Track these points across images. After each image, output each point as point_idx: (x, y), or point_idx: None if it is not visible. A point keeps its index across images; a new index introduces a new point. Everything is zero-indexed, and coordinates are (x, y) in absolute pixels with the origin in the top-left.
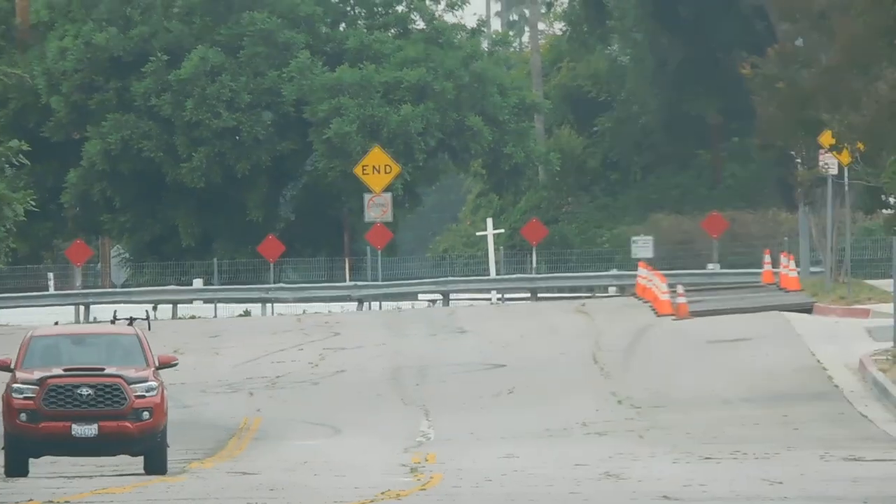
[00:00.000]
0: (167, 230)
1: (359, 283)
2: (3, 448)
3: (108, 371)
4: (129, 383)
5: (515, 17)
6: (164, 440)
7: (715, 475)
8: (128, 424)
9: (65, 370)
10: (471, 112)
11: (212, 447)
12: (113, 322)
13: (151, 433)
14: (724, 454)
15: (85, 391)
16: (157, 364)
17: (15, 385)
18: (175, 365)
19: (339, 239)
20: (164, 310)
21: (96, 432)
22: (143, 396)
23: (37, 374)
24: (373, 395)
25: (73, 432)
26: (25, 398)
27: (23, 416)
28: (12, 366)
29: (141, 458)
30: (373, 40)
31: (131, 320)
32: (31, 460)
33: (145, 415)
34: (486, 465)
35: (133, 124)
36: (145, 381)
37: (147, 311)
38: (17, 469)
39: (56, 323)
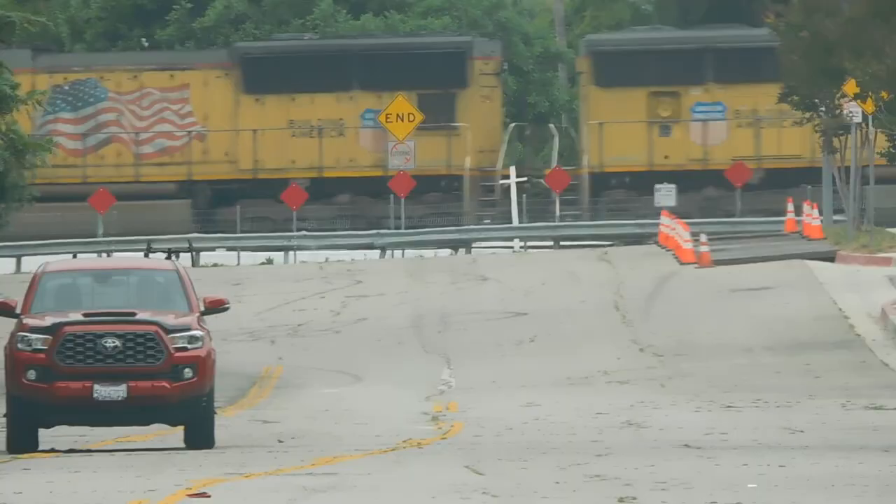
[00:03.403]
0: None
1: (381, 231)
2: (4, 415)
3: (140, 317)
4: (168, 332)
5: None
6: (210, 405)
7: (736, 424)
8: (165, 385)
9: (85, 315)
10: None
11: (234, 395)
12: (147, 255)
13: (195, 396)
14: (745, 403)
15: (111, 342)
16: (202, 308)
17: (21, 334)
18: (226, 308)
19: None
20: (187, 257)
21: (125, 394)
22: (185, 349)
23: (49, 320)
24: (394, 343)
25: (95, 394)
26: (35, 351)
27: (31, 374)
28: (18, 310)
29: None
30: None
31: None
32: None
33: (187, 372)
34: (507, 414)
35: None
36: (188, 329)
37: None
38: (23, 441)
39: (74, 256)
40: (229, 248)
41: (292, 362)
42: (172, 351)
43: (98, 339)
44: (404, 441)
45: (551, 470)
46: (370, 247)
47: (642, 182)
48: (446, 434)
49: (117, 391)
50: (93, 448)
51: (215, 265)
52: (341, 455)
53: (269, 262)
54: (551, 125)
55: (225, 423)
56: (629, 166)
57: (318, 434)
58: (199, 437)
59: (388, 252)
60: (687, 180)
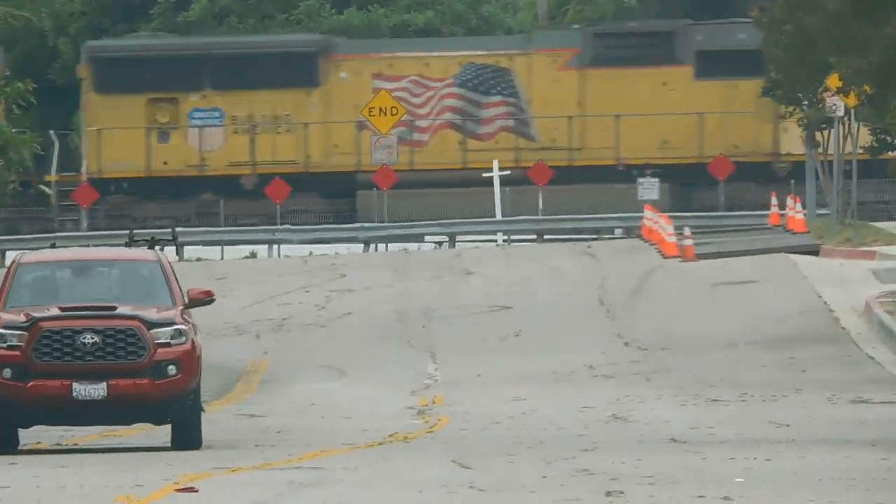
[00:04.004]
0: None
1: (365, 224)
2: None
3: (120, 311)
4: (150, 327)
5: None
6: (196, 403)
7: (722, 418)
8: (147, 382)
9: (62, 309)
10: None
11: (219, 390)
12: (129, 245)
13: (179, 394)
14: (731, 397)
15: (89, 338)
16: (186, 300)
17: None
18: (211, 301)
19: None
20: (170, 251)
21: (105, 393)
22: (168, 345)
23: (24, 316)
24: (379, 337)
25: (73, 393)
26: (10, 348)
27: (6, 372)
28: None
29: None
30: None
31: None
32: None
33: (171, 369)
34: (493, 408)
35: None
36: (171, 323)
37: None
38: (1, 442)
39: (53, 245)
40: (213, 243)
41: (278, 357)
42: (155, 347)
43: (76, 334)
44: (391, 435)
45: (538, 464)
46: (353, 240)
47: (141, 188)
48: (432, 428)
49: (97, 390)
50: (79, 443)
51: (199, 259)
52: (328, 449)
53: (253, 256)
54: (51, 132)
55: (211, 418)
56: (128, 172)
57: (305, 429)
58: (185, 436)
59: (372, 246)
60: (185, 186)
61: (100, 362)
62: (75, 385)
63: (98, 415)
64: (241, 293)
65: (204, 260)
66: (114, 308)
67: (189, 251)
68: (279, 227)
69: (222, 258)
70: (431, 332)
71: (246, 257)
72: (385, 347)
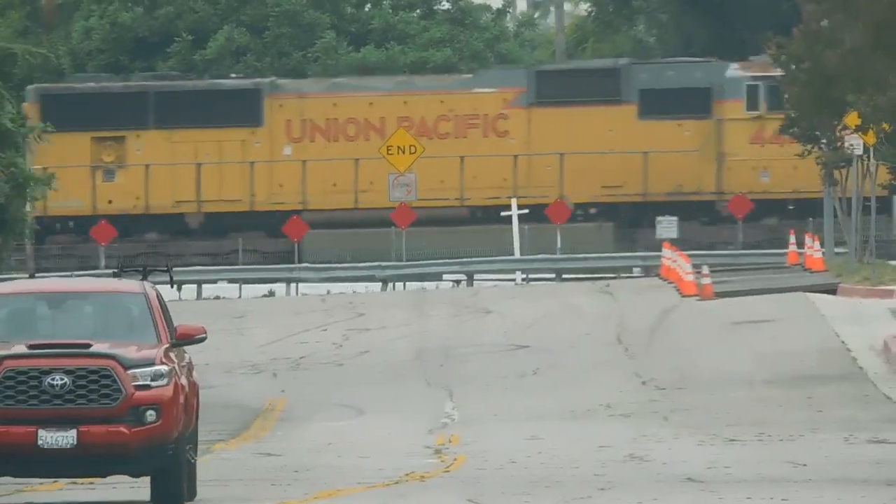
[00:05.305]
0: None
1: (383, 263)
2: None
3: (94, 349)
4: (126, 367)
5: None
6: (180, 454)
7: (739, 457)
8: (122, 430)
9: (29, 347)
10: None
11: (236, 428)
12: (118, 275)
13: (159, 444)
14: (748, 436)
15: (58, 379)
16: (173, 338)
17: None
18: (202, 339)
19: None
20: (189, 290)
21: (74, 441)
22: (147, 387)
23: None
24: (397, 375)
25: (39, 442)
26: None
27: None
28: None
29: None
30: (398, 20)
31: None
32: None
33: (149, 415)
34: (510, 447)
35: None
36: (150, 363)
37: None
38: None
39: (32, 275)
40: (231, 281)
41: (295, 395)
42: (132, 390)
43: (43, 375)
44: (407, 474)
45: (555, 503)
46: (371, 279)
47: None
48: (449, 467)
49: (66, 438)
50: (95, 481)
51: (217, 297)
52: (345, 488)
53: (271, 294)
54: None
55: (228, 457)
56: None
57: (322, 467)
58: (166, 490)
59: (390, 284)
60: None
61: (69, 407)
62: (41, 432)
63: (67, 466)
64: (259, 331)
65: (222, 298)
66: (87, 346)
67: (207, 289)
68: (298, 265)
69: (240, 296)
70: (449, 370)
71: (264, 296)
72: (402, 386)
